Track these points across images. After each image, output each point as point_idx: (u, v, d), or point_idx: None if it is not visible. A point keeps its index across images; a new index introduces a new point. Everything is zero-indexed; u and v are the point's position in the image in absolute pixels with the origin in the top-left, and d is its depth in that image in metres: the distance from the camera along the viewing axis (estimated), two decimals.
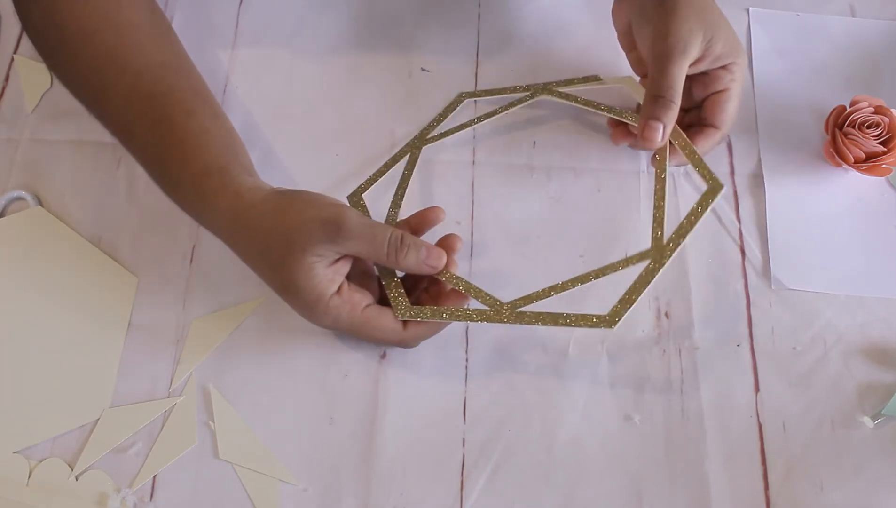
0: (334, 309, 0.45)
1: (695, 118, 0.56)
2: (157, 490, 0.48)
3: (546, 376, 0.52)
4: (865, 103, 0.57)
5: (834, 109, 0.58)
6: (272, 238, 0.45)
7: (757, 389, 0.52)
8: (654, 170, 0.53)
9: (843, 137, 0.56)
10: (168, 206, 0.56)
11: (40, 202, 0.56)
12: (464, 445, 0.50)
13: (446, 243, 0.50)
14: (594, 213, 0.57)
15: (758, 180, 0.59)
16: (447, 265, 0.49)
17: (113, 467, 0.49)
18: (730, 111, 0.54)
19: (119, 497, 0.48)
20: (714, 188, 0.49)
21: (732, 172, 0.59)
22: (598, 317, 0.46)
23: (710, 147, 0.55)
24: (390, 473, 0.49)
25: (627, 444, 0.50)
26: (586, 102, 0.58)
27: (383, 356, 0.52)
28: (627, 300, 0.46)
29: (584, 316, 0.46)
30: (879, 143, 0.56)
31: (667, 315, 0.54)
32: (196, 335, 0.52)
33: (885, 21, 0.66)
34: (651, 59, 0.52)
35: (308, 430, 0.50)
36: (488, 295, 0.49)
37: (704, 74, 0.54)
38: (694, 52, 0.51)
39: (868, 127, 0.56)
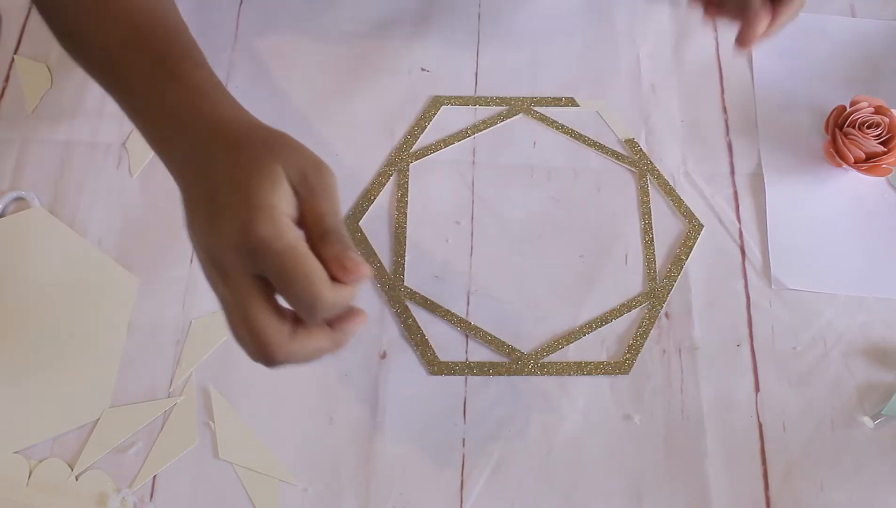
0: (283, 226, 0.37)
1: None
2: (157, 490, 0.48)
3: (546, 376, 0.52)
4: (865, 103, 0.57)
5: (834, 110, 0.58)
6: (254, 135, 0.40)
7: (757, 389, 0.52)
8: (641, 206, 0.57)
9: (843, 137, 0.56)
10: (168, 206, 0.56)
11: (40, 202, 0.56)
12: (464, 445, 0.50)
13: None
14: (594, 213, 0.57)
15: (758, 180, 0.59)
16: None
17: (113, 467, 0.49)
18: None
19: (119, 497, 0.48)
20: (695, 229, 0.56)
21: (732, 172, 0.59)
22: (614, 365, 0.51)
23: (795, 11, 0.51)
24: (390, 473, 0.49)
25: (627, 444, 0.50)
26: (565, 130, 0.59)
27: (383, 356, 0.52)
28: (634, 347, 0.52)
29: (601, 364, 0.52)
30: (879, 143, 0.56)
31: (667, 315, 0.54)
32: (196, 335, 0.52)
33: (885, 21, 0.66)
34: None
35: (308, 430, 0.50)
36: (508, 345, 0.52)
37: None
38: None
39: (868, 127, 0.56)
